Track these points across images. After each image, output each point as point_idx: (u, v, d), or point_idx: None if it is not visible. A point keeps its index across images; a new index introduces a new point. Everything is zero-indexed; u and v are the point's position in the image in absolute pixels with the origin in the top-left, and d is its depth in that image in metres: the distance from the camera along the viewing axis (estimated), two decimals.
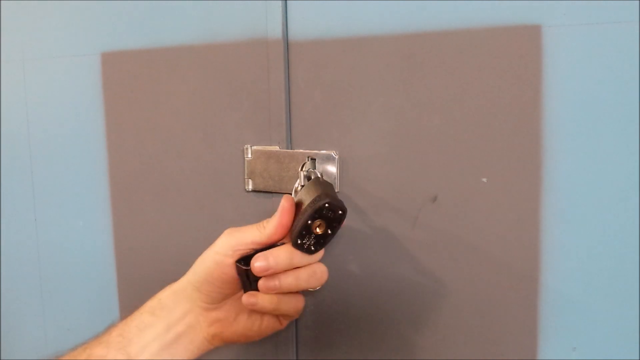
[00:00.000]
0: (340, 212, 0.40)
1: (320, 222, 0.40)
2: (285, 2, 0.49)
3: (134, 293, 0.61)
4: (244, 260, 0.43)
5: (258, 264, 0.42)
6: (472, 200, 0.44)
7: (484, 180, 0.44)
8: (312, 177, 0.46)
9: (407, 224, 0.47)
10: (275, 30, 0.50)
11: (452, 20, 0.43)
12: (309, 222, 0.40)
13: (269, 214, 0.53)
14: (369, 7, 0.46)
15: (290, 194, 0.48)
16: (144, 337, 0.44)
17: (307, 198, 0.41)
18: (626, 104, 0.39)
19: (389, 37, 0.46)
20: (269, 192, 0.52)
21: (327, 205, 0.40)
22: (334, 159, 0.49)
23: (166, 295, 0.46)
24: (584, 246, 0.42)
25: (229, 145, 0.53)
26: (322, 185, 0.42)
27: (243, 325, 0.47)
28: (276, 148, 0.51)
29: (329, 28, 0.48)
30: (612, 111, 0.40)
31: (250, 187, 0.53)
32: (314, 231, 0.41)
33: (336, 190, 0.49)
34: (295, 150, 0.50)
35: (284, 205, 0.42)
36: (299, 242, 0.41)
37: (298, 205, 0.43)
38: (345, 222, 0.49)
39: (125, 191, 0.60)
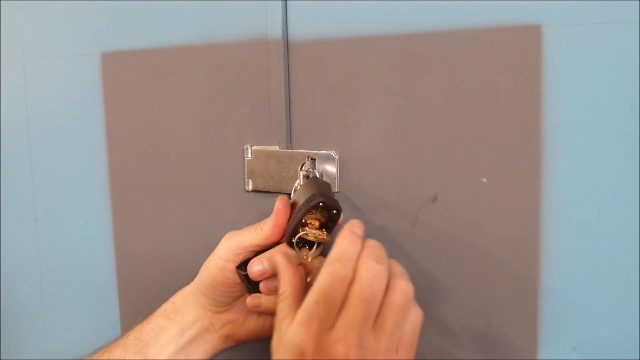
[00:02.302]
0: (334, 211, 0.40)
1: (312, 222, 0.40)
2: (285, 2, 0.49)
3: (134, 293, 0.61)
4: (244, 265, 0.43)
5: (254, 268, 0.42)
6: (472, 200, 0.44)
7: (484, 180, 0.44)
8: (310, 177, 0.46)
9: (407, 224, 0.47)
10: (275, 30, 0.50)
11: (452, 20, 0.43)
12: (304, 221, 0.40)
13: (269, 214, 0.53)
14: (369, 7, 0.46)
15: (290, 194, 0.48)
16: (160, 339, 0.45)
17: (302, 197, 0.41)
18: (626, 104, 0.39)
19: (389, 37, 0.46)
20: (269, 192, 0.52)
21: (320, 204, 0.39)
22: (334, 159, 0.49)
23: (179, 298, 0.47)
24: (584, 246, 0.42)
25: (229, 145, 0.53)
26: (318, 185, 0.42)
27: (254, 325, 0.47)
28: (276, 148, 0.51)
29: (329, 28, 0.48)
30: (612, 111, 0.40)
31: (250, 187, 0.53)
32: None
33: (336, 190, 0.49)
34: (295, 150, 0.50)
35: (278, 206, 0.43)
36: (293, 240, 0.41)
37: (294, 205, 0.43)
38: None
39: (125, 191, 0.60)
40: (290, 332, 0.34)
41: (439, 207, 0.46)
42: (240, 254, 0.44)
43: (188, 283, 0.49)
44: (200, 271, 0.46)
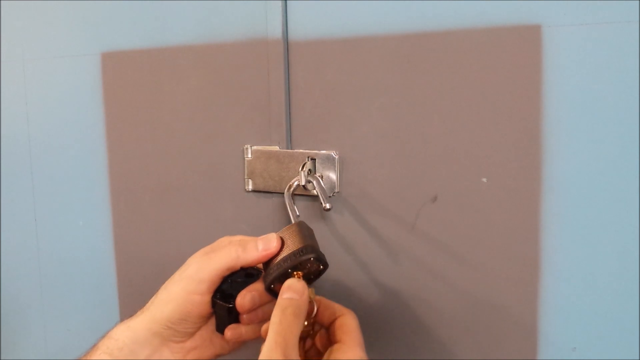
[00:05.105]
0: (321, 267, 0.41)
1: (297, 273, 0.40)
2: (285, 2, 0.49)
3: (134, 293, 0.61)
4: (220, 294, 0.42)
5: (246, 302, 0.41)
6: (472, 200, 0.44)
7: (484, 180, 0.44)
8: (296, 221, 0.44)
9: (407, 224, 0.47)
10: (275, 30, 0.50)
11: (452, 20, 0.43)
12: (289, 271, 0.40)
13: (269, 214, 0.53)
14: (369, 7, 0.46)
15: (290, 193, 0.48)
16: None
17: (290, 244, 0.41)
18: (626, 104, 0.39)
19: (389, 37, 0.46)
20: (269, 192, 0.52)
21: (311, 259, 0.40)
22: (334, 159, 0.49)
23: (125, 335, 0.42)
24: (584, 246, 0.42)
25: (229, 145, 0.53)
26: (307, 234, 0.42)
27: (220, 344, 0.45)
28: (276, 148, 0.51)
29: (329, 28, 0.48)
30: (612, 111, 0.40)
31: (250, 187, 0.53)
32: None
33: (336, 191, 0.49)
34: (295, 150, 0.50)
35: (272, 246, 0.42)
36: (272, 287, 0.41)
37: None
38: (345, 222, 0.49)
39: (125, 191, 0.60)
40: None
41: (439, 207, 0.46)
42: (214, 283, 0.42)
43: None
44: (164, 304, 0.42)
